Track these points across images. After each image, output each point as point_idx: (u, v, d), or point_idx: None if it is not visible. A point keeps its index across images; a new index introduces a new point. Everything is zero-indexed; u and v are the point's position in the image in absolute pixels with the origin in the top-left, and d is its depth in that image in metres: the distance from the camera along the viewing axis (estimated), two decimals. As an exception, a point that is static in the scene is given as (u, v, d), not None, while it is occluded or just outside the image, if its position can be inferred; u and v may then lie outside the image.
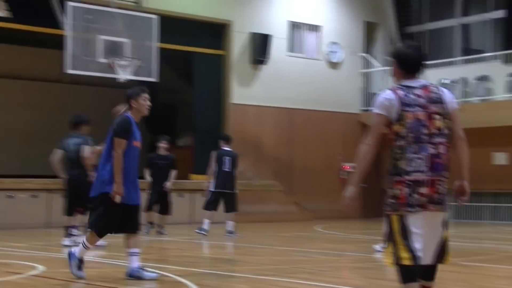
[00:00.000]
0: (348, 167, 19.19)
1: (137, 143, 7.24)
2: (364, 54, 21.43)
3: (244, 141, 18.67)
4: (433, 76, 19.95)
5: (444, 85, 19.99)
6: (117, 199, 6.87)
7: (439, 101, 4.49)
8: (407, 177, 4.35)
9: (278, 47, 19.66)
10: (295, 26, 20.37)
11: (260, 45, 19.17)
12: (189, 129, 20.41)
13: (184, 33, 18.70)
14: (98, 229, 7.16)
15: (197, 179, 18.08)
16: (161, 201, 13.30)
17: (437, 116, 4.47)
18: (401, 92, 4.43)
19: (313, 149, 20.17)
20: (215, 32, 19.40)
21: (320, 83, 20.41)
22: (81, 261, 7.12)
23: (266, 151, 19.27)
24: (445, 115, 4.49)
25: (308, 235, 15.04)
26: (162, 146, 13.49)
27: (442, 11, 22.11)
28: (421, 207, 4.35)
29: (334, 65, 20.90)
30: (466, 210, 19.72)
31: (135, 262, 7.08)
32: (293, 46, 20.43)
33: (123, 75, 15.86)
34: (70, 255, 7.20)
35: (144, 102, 7.29)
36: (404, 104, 4.38)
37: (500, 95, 19.36)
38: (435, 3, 22.18)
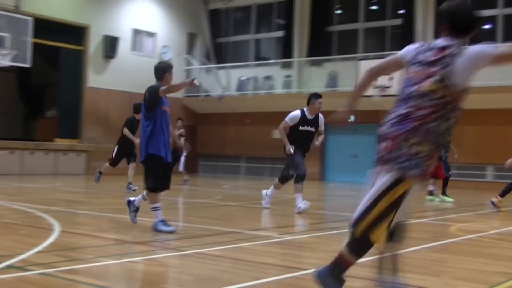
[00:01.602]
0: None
1: (166, 108, 7.51)
2: (186, 56, 26.48)
3: (97, 115, 23.16)
4: (234, 74, 25.67)
5: (242, 82, 25.69)
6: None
7: (447, 65, 3.90)
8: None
9: (124, 47, 24.01)
10: (137, 32, 24.83)
11: (111, 44, 23.40)
12: (54, 104, 23.77)
13: (53, 32, 22.19)
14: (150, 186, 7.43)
15: (60, 142, 22.11)
16: None
17: (432, 79, 3.94)
18: (420, 47, 4.11)
19: (148, 122, 25.01)
20: (77, 32, 23.13)
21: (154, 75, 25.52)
22: (137, 209, 7.69)
23: (113, 123, 22.54)
24: (446, 81, 3.89)
25: (140, 185, 16.63)
26: None
27: (242, 28, 27.42)
28: (375, 162, 4.18)
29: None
30: (257, 170, 26.16)
31: (160, 216, 7.34)
32: (135, 46, 24.80)
33: (3, 61, 19.12)
34: (129, 202, 7.74)
35: (171, 76, 7.66)
36: (411, 59, 4.10)
37: (279, 89, 25.11)
38: (237, 22, 27.52)
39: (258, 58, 27.09)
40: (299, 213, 10.03)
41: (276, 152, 24.61)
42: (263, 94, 25.02)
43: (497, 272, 5.71)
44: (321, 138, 10.69)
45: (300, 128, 10.41)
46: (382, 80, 21.19)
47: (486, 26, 22.94)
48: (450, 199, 14.31)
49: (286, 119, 10.47)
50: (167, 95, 7.54)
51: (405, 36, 23.40)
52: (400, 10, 24.08)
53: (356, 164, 23.81)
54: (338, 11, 25.84)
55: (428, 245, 7.29)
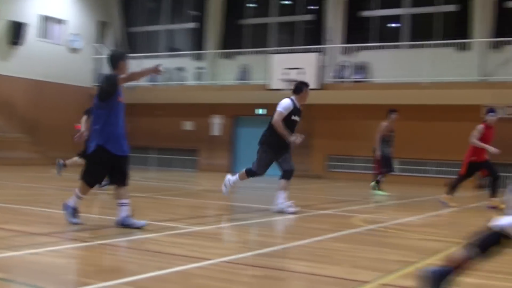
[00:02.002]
0: (79, 126, 24.15)
1: (121, 99, 7.17)
2: (97, 44, 26.14)
3: (0, 103, 22.64)
4: (146, 65, 24.96)
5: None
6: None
7: None
8: None
9: (31, 33, 23.50)
10: (45, 18, 24.34)
11: (16, 30, 22.83)
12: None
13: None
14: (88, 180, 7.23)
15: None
16: None
17: None
18: None
19: (55, 112, 23.88)
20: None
21: (62, 63, 24.59)
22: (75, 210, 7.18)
23: (18, 112, 22.86)
24: None
25: (46, 176, 16.61)
26: None
27: (154, 18, 27.36)
28: None
29: (74, 50, 25.33)
30: (167, 161, 26.15)
31: (125, 212, 7.07)
32: (43, 33, 24.34)
33: None
34: (65, 205, 7.24)
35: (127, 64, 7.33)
36: None
37: (191, 81, 25.24)
38: (149, 12, 27.54)
39: (170, 49, 27.11)
40: (280, 212, 9.64)
41: (187, 143, 25.43)
42: (175, 86, 24.96)
43: (394, 260, 5.96)
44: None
45: (292, 117, 9.83)
46: (292, 74, 21.67)
47: (393, 25, 23.84)
48: (384, 193, 14.81)
49: (281, 109, 9.69)
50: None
51: (316, 31, 24.05)
52: (312, 6, 24.59)
53: (266, 157, 24.13)
54: (251, 5, 26.14)
55: (331, 235, 7.46)
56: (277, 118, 9.66)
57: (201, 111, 25.27)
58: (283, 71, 21.90)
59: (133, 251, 5.88)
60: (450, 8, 22.33)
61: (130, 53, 26.12)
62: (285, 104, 9.73)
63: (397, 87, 20.77)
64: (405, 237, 8.03)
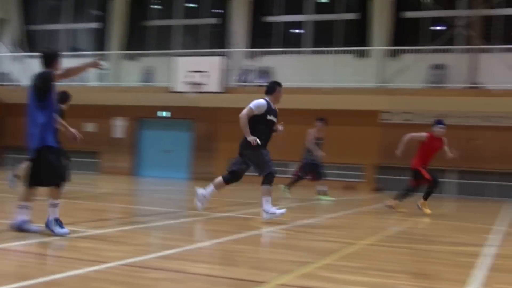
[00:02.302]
0: None
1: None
2: None
3: None
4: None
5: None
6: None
7: None
8: None
9: None
10: None
11: None
12: None
13: None
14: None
15: None
16: None
17: None
18: None
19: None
20: None
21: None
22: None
23: None
24: None
25: None
26: None
27: (56, 17, 26.84)
28: None
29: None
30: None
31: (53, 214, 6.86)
32: None
33: None
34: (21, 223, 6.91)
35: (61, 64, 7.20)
36: None
37: (93, 82, 24.85)
38: (51, 11, 26.91)
39: (72, 48, 26.65)
40: (268, 218, 9.45)
41: (88, 145, 24.53)
42: (76, 86, 24.17)
43: (291, 261, 6.12)
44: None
45: (268, 117, 9.62)
46: (196, 77, 21.86)
47: (296, 31, 24.42)
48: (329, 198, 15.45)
49: (252, 106, 9.45)
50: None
51: (220, 35, 24.37)
52: (217, 9, 24.96)
53: (169, 159, 24.24)
54: (156, 7, 26.21)
55: (231, 237, 7.58)
56: (244, 112, 9.47)
57: (103, 112, 24.96)
58: (187, 73, 22.08)
59: (28, 255, 5.73)
60: (351, 16, 23.32)
61: (31, 51, 25.83)
62: (257, 102, 9.53)
63: (299, 92, 21.30)
64: (303, 239, 8.24)
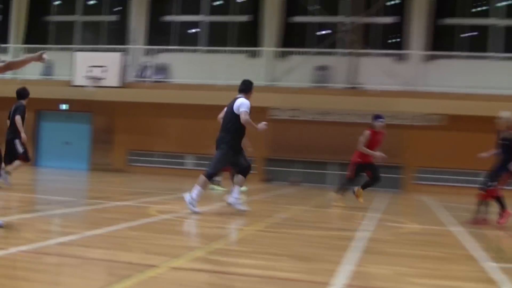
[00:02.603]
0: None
1: None
2: None
3: None
4: None
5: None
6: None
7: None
8: None
9: None
10: None
11: None
12: None
13: None
14: None
15: None
16: None
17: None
18: None
19: None
20: None
21: None
22: None
23: None
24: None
25: None
26: None
27: None
28: None
29: None
30: None
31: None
32: None
33: None
34: None
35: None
36: None
37: None
38: None
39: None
40: (232, 205, 9.94)
41: None
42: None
43: (182, 246, 6.45)
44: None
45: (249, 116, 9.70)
46: (96, 72, 22.10)
47: (192, 31, 24.96)
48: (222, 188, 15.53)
49: (245, 108, 9.48)
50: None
51: (120, 32, 24.60)
52: (116, 7, 24.97)
53: (69, 151, 24.36)
54: (57, 2, 25.90)
55: (127, 224, 7.75)
56: (245, 117, 9.41)
57: (2, 104, 24.60)
58: (87, 68, 22.03)
59: None
60: (244, 18, 23.96)
61: None
62: (247, 103, 9.56)
63: (194, 88, 21.84)
64: (196, 226, 8.54)
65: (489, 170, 10.45)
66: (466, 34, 23.09)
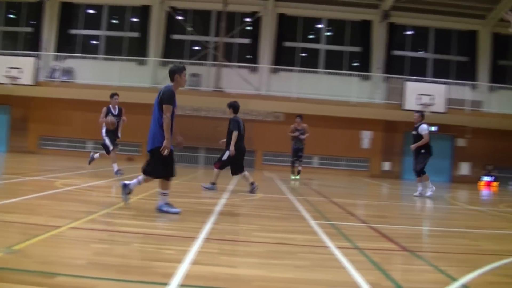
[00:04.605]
0: None
1: (176, 109, 6.92)
2: None
3: None
4: None
5: None
6: (166, 152, 6.67)
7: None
8: None
9: None
10: None
11: None
12: None
13: None
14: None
15: None
16: None
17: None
18: None
19: None
20: None
21: None
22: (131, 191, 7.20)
23: None
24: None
25: None
26: None
27: None
28: None
29: None
30: None
31: (163, 201, 6.97)
32: None
33: None
34: (124, 185, 7.17)
35: (185, 77, 7.14)
36: None
37: None
38: None
39: None
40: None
41: None
42: None
43: (81, 211, 6.51)
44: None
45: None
46: (14, 72, 22.59)
47: (94, 42, 25.83)
48: None
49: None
50: None
51: (34, 41, 25.08)
52: (32, 20, 25.43)
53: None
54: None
55: (37, 194, 7.86)
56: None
57: None
58: (7, 69, 22.51)
59: None
60: (134, 34, 25.37)
61: None
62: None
63: (94, 88, 22.81)
64: (92, 196, 8.61)
65: None
66: (301, 54, 25.85)
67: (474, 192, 16.87)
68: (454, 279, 4.35)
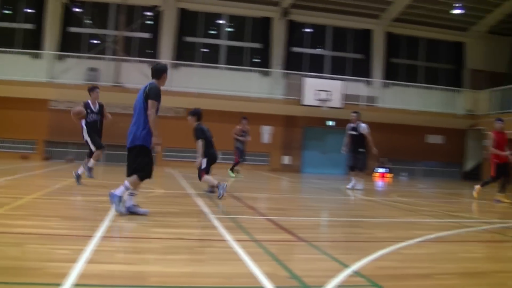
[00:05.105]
0: None
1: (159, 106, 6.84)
2: None
3: None
4: None
5: None
6: (157, 148, 6.78)
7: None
8: None
9: None
10: None
11: None
12: None
13: None
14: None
15: None
16: None
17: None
18: None
19: None
20: None
21: None
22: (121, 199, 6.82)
23: None
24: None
25: None
26: None
27: None
28: None
29: None
30: None
31: (130, 201, 6.89)
32: None
33: None
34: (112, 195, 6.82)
35: (167, 76, 7.06)
36: None
37: None
38: None
39: None
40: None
41: None
42: None
43: None
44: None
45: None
46: None
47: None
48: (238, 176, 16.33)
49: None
50: None
51: None
52: None
53: None
54: None
55: None
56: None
57: None
58: None
59: None
60: (28, 26, 24.37)
61: None
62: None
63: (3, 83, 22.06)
64: None
65: None
66: (202, 50, 26.03)
67: (369, 184, 17.66)
68: (346, 266, 4.56)
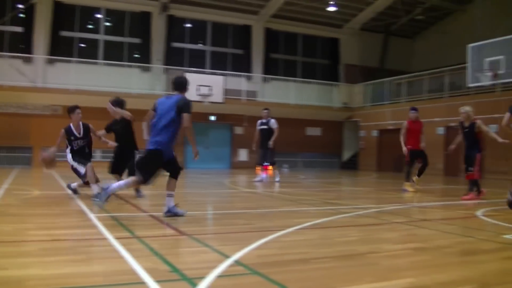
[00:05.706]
0: None
1: None
2: None
3: None
4: None
5: None
6: (198, 157, 7.29)
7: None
8: None
9: None
10: None
11: None
12: None
13: None
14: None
15: None
16: None
17: None
18: None
19: None
20: None
21: None
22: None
23: None
24: None
25: None
26: None
27: None
28: None
29: None
30: None
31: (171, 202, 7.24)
32: None
33: None
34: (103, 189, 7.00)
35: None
36: None
37: None
38: None
39: None
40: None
41: None
42: None
43: None
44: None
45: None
46: None
47: None
48: None
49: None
50: None
51: None
52: None
53: None
54: None
55: None
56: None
57: None
58: None
59: None
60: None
61: None
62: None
63: None
64: None
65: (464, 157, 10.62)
66: (80, 45, 25.23)
67: (251, 177, 18.05)
68: (227, 257, 4.67)
